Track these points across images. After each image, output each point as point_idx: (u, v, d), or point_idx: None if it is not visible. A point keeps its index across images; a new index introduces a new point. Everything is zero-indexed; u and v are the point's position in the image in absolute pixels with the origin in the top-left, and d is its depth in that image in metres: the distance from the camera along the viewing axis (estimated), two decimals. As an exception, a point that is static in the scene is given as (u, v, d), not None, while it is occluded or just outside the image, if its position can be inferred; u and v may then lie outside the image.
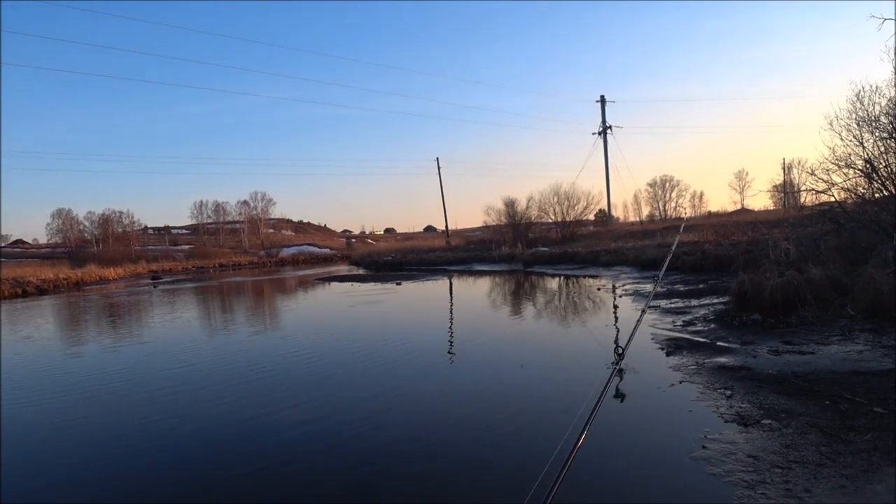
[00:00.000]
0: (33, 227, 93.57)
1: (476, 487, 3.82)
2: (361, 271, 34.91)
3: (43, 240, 75.80)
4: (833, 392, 4.91)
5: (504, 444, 4.56)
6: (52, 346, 11.51)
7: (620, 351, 3.24)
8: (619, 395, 5.62)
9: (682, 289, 13.41)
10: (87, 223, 72.66)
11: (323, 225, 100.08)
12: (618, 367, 3.15)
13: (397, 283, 22.65)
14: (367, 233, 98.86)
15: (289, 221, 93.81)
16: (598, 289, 16.17)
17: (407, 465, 4.26)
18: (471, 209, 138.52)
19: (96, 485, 4.28)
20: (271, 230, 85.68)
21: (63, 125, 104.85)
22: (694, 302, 11.15)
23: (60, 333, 13.89)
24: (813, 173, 12.51)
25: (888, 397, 4.64)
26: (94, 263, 46.08)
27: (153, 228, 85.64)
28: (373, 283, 23.63)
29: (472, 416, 5.38)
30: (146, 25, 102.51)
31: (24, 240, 79.27)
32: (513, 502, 3.05)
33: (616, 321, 10.25)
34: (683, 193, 62.71)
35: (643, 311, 4.44)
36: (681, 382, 5.73)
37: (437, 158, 51.49)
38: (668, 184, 61.95)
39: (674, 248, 7.89)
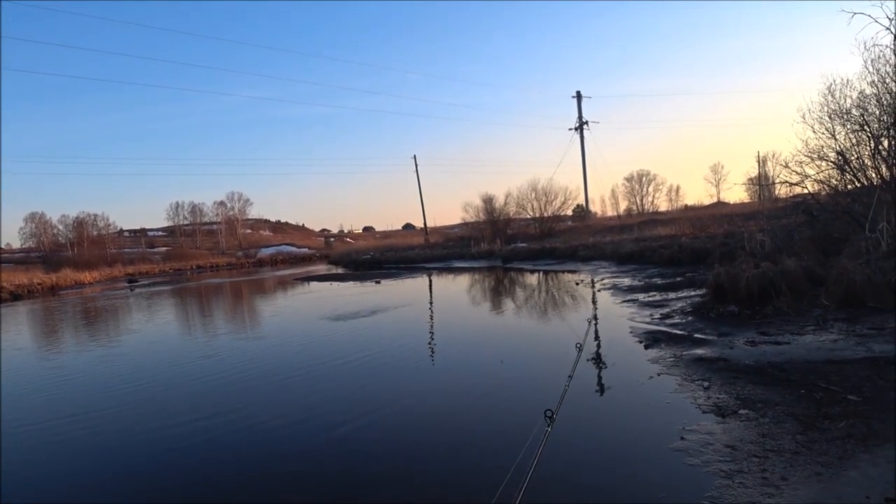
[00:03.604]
0: (6, 231, 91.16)
1: (452, 485, 3.77)
2: (340, 270, 34.67)
3: (16, 244, 73.91)
4: (808, 381, 4.95)
5: (486, 442, 4.52)
6: (34, 357, 11.24)
7: (551, 414, 3.20)
8: (599, 389, 5.63)
9: (659, 282, 13.51)
10: (61, 227, 70.87)
11: (301, 224, 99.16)
12: (550, 429, 3.14)
13: (377, 282, 22.49)
14: (346, 231, 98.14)
15: (266, 221, 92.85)
16: (577, 283, 16.21)
17: (384, 466, 4.19)
18: (449, 206, 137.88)
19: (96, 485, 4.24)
20: (249, 231, 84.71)
21: (34, 128, 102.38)
22: (671, 295, 11.23)
23: (41, 341, 13.59)
24: (787, 166, 12.71)
25: (862, 385, 4.69)
26: (70, 267, 45.08)
27: (129, 231, 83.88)
28: (352, 283, 23.47)
29: (452, 415, 5.34)
30: (119, 25, 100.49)
31: (-3, 244, 77.37)
32: (482, 501, 3.02)
33: (595, 317, 10.25)
34: (660, 187, 63.36)
35: (573, 373, 4.34)
36: (659, 375, 5.75)
37: (415, 156, 51.56)
38: (644, 178, 62.56)
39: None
